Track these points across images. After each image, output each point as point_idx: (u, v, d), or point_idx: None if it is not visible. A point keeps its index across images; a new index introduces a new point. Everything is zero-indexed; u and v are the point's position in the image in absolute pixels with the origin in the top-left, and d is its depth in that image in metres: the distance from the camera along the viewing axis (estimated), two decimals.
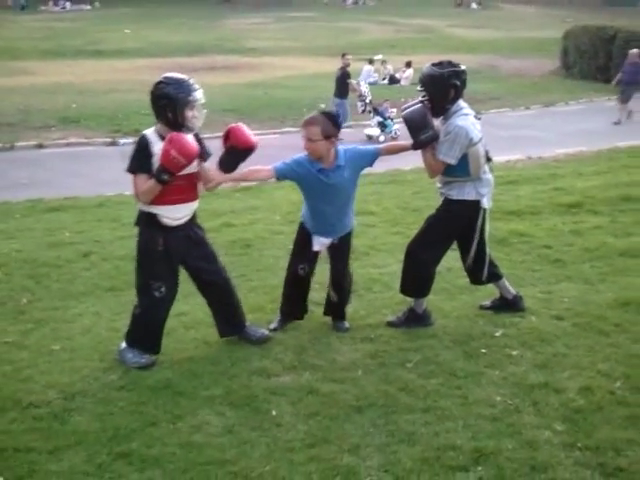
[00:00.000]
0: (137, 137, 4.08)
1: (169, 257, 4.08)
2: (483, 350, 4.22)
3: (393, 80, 20.93)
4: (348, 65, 14.46)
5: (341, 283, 4.64)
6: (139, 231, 4.15)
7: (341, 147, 4.32)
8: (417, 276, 4.57)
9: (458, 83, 4.26)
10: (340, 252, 4.58)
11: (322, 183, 4.27)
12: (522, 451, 3.21)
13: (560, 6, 50.45)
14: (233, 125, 4.12)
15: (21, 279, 5.82)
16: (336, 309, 4.69)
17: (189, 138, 3.87)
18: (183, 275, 4.31)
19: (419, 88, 4.37)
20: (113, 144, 13.28)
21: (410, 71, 21.08)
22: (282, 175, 4.29)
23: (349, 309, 4.80)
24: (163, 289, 4.09)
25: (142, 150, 3.95)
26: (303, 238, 4.56)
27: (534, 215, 7.49)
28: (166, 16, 40.78)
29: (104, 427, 3.47)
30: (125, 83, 19.88)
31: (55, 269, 6.08)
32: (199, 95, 3.93)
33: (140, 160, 3.94)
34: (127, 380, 3.96)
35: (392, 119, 13.81)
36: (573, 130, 14.38)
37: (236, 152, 4.08)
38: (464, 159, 4.27)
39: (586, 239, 6.45)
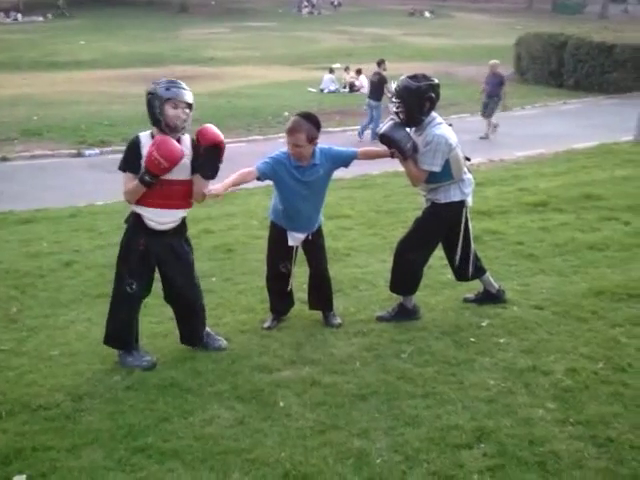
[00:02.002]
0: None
1: (147, 259, 4.19)
2: (472, 339, 4.44)
3: (353, 88, 21.25)
4: (385, 70, 14.98)
5: (324, 275, 4.83)
6: (126, 228, 4.25)
7: (318, 146, 4.49)
8: (406, 276, 4.78)
9: (433, 95, 4.49)
10: (316, 246, 4.78)
11: (297, 180, 4.46)
12: (519, 428, 3.43)
13: (510, 14, 51.84)
14: (199, 128, 4.08)
15: (6, 289, 5.82)
16: (324, 300, 4.86)
17: (175, 142, 3.94)
18: None
19: (394, 100, 4.57)
20: (79, 155, 13.21)
21: (363, 78, 21.42)
22: (263, 174, 4.43)
23: (339, 307, 4.98)
24: (135, 286, 4.19)
25: (132, 150, 4.04)
26: (278, 236, 4.72)
27: (503, 214, 7.79)
28: (120, 27, 40.45)
29: (117, 425, 3.56)
30: (85, 94, 19.76)
31: (39, 279, 6.10)
32: (182, 93, 3.97)
33: (129, 159, 4.04)
34: (132, 380, 4.04)
35: None
36: (531, 133, 14.87)
37: (210, 152, 4.05)
38: (446, 164, 4.50)
39: (555, 235, 6.77)
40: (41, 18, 45.68)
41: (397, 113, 4.53)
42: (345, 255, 6.48)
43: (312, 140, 4.38)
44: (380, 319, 4.83)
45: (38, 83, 22.12)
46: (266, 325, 4.82)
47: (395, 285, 4.85)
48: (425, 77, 4.53)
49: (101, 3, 51.17)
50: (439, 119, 4.59)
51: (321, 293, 4.89)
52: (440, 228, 4.74)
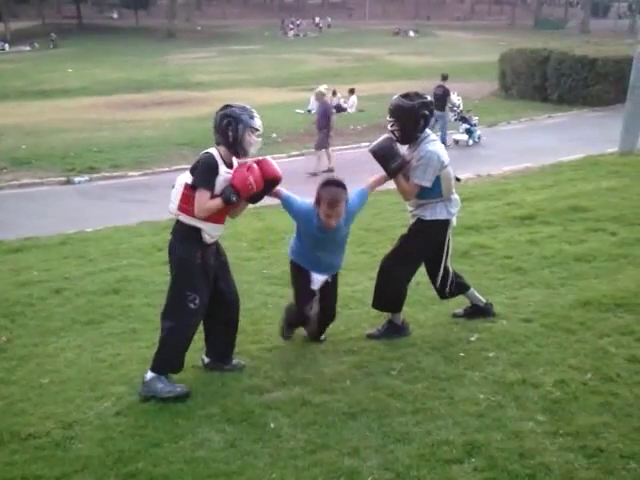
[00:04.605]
0: (204, 154, 4.15)
1: (206, 271, 4.19)
2: (461, 354, 4.46)
3: (340, 109, 21.38)
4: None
5: (333, 312, 4.79)
6: (174, 243, 4.19)
7: None
8: (390, 292, 4.80)
9: (427, 113, 4.55)
10: (332, 288, 4.73)
11: (317, 236, 4.42)
12: (510, 442, 3.44)
13: (492, 31, 52.56)
14: (260, 160, 4.20)
15: None
16: (323, 331, 4.85)
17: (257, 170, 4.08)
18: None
19: (389, 119, 4.61)
20: (68, 183, 13.23)
21: (354, 98, 21.62)
22: (288, 204, 4.39)
23: (330, 325, 4.98)
24: (197, 301, 4.14)
25: (212, 168, 4.08)
26: (300, 275, 4.62)
27: (491, 229, 7.84)
28: (107, 54, 40.75)
29: (107, 451, 3.54)
30: (73, 122, 19.83)
31: (29, 307, 6.08)
32: (259, 123, 4.13)
33: (208, 177, 4.07)
34: (121, 406, 4.03)
35: (476, 126, 15.80)
36: (517, 148, 15.01)
37: (267, 184, 4.20)
38: (437, 181, 4.54)
39: (543, 248, 6.81)
40: (28, 47, 45.95)
41: (392, 132, 4.57)
42: None
43: (347, 201, 4.29)
44: (370, 337, 4.84)
45: (26, 112, 22.21)
46: (287, 334, 4.89)
47: (378, 301, 4.86)
48: (418, 95, 4.59)
49: (88, 31, 51.55)
50: (433, 136, 4.65)
51: (325, 327, 4.85)
52: (425, 245, 4.76)
